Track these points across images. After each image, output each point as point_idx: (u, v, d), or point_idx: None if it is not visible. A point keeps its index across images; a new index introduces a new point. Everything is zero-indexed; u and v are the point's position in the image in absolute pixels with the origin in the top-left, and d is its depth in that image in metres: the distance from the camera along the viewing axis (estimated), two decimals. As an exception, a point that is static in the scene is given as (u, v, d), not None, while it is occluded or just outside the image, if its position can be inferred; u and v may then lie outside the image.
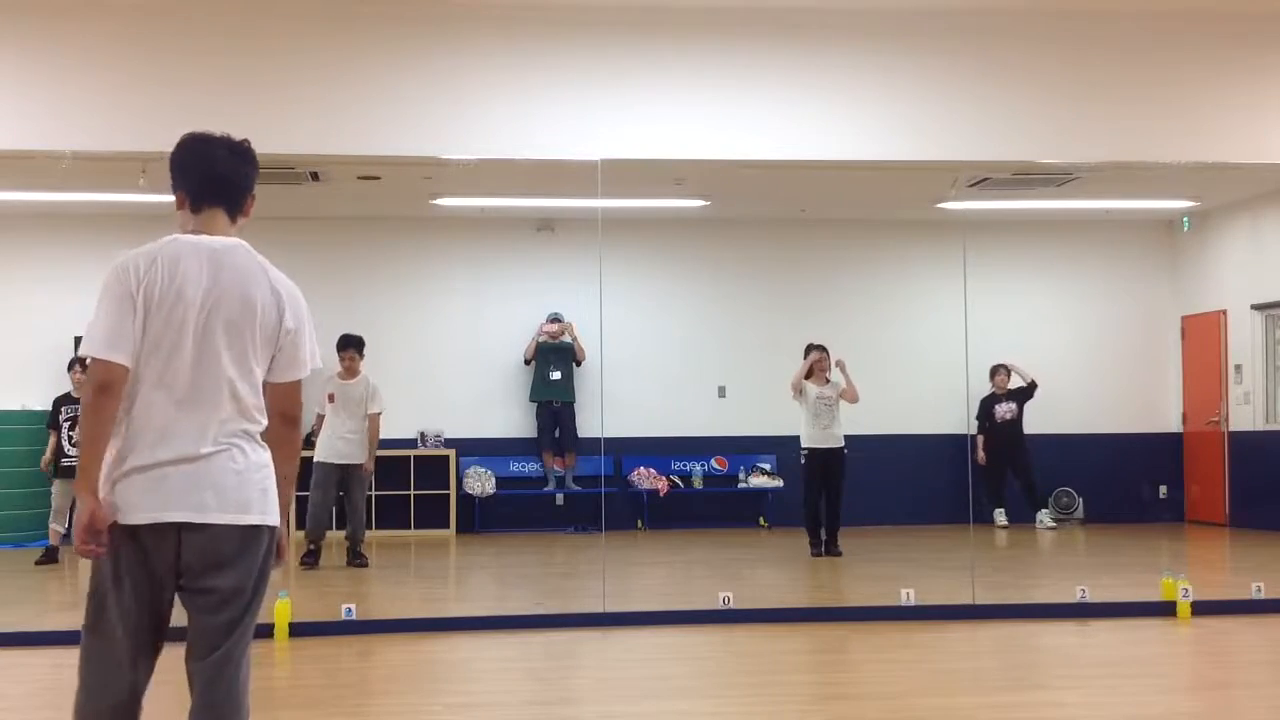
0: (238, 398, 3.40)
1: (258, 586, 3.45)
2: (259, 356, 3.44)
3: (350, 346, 10.88)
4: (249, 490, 3.38)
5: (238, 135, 3.66)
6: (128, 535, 3.32)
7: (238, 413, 3.40)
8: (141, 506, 3.30)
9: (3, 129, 7.90)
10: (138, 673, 3.37)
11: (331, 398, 10.73)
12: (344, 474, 10.69)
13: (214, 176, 3.56)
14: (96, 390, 3.29)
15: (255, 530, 3.40)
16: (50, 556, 10.82)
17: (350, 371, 10.84)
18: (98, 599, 3.37)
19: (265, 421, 3.48)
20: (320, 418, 10.79)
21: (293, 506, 3.70)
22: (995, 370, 13.78)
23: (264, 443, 3.48)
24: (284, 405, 3.51)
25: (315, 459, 10.65)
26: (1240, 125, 8.69)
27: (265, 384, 3.48)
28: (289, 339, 3.48)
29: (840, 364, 11.14)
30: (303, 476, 10.77)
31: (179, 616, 3.45)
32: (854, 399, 11.09)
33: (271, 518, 3.44)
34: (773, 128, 8.45)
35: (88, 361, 3.36)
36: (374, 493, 12.95)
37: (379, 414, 10.82)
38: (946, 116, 8.53)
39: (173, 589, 3.37)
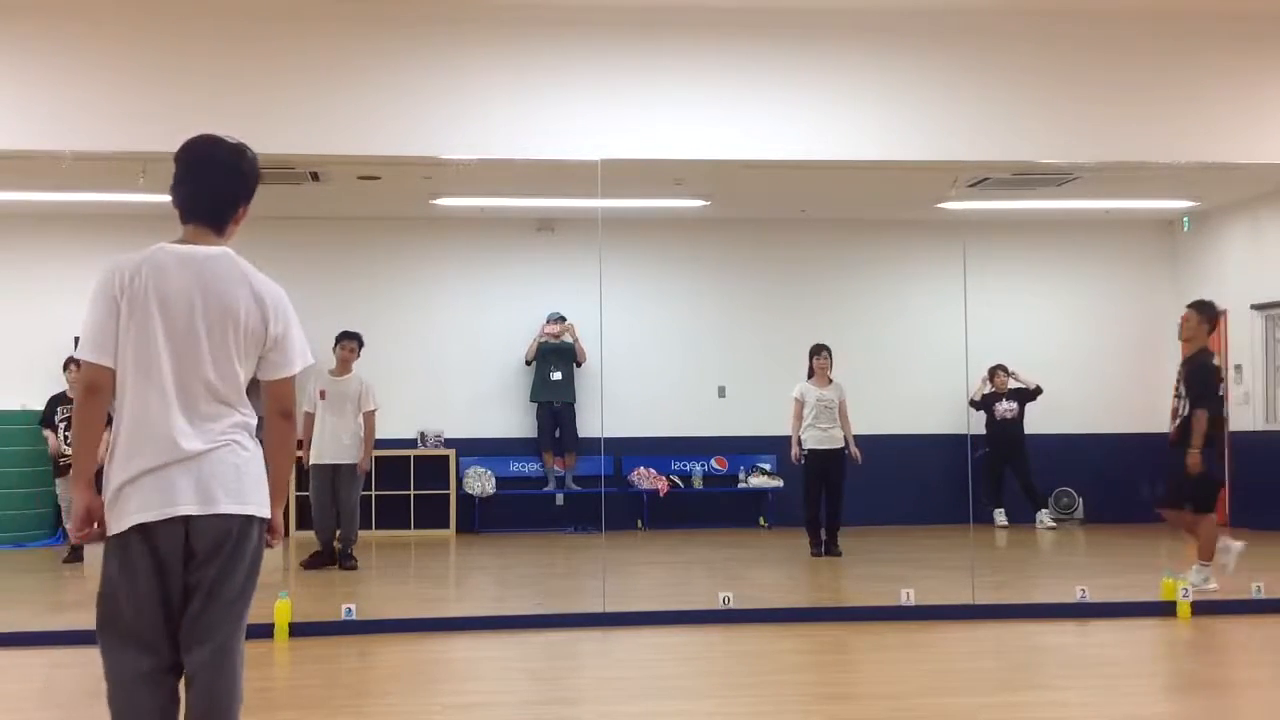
0: (224, 398, 3.58)
1: (250, 575, 3.63)
2: (242, 359, 3.61)
3: (351, 339, 10.77)
4: (247, 482, 3.58)
5: (237, 135, 3.77)
6: (138, 532, 3.50)
7: (228, 410, 3.59)
8: (152, 505, 3.49)
9: (3, 129, 7.90)
10: (160, 655, 3.52)
11: (323, 394, 10.55)
12: (336, 473, 10.56)
13: (202, 198, 3.71)
14: (85, 391, 3.55)
15: (251, 520, 3.60)
16: (76, 555, 10.75)
17: (345, 365, 10.70)
18: (109, 597, 3.55)
19: (255, 418, 3.67)
20: (310, 416, 10.57)
21: (294, 506, 3.89)
22: (994, 372, 13.79)
23: (256, 439, 3.67)
24: (279, 401, 3.71)
25: (311, 462, 10.56)
26: (1240, 125, 8.69)
27: (260, 382, 3.67)
28: (275, 340, 3.66)
29: (843, 406, 11.20)
30: (302, 479, 10.78)
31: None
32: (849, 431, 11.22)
33: (265, 510, 3.64)
34: (773, 128, 8.45)
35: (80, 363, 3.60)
36: (374, 493, 12.96)
37: (374, 411, 10.68)
38: (946, 116, 8.53)
39: (181, 580, 3.54)
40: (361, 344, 10.87)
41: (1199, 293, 14.17)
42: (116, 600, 3.53)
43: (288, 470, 3.78)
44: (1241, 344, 13.61)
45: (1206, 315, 9.06)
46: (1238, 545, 8.94)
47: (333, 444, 10.54)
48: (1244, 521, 13.07)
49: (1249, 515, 12.99)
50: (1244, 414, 13.53)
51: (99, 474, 3.59)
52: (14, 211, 12.57)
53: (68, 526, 11.01)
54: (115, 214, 10.49)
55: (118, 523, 3.50)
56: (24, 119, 7.91)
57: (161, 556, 3.50)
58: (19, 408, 12.57)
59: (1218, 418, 8.94)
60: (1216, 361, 9.10)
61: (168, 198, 3.79)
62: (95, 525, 3.54)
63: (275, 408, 3.69)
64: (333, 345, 10.86)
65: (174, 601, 3.53)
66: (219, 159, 3.72)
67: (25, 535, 12.41)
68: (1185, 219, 14.04)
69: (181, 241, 3.68)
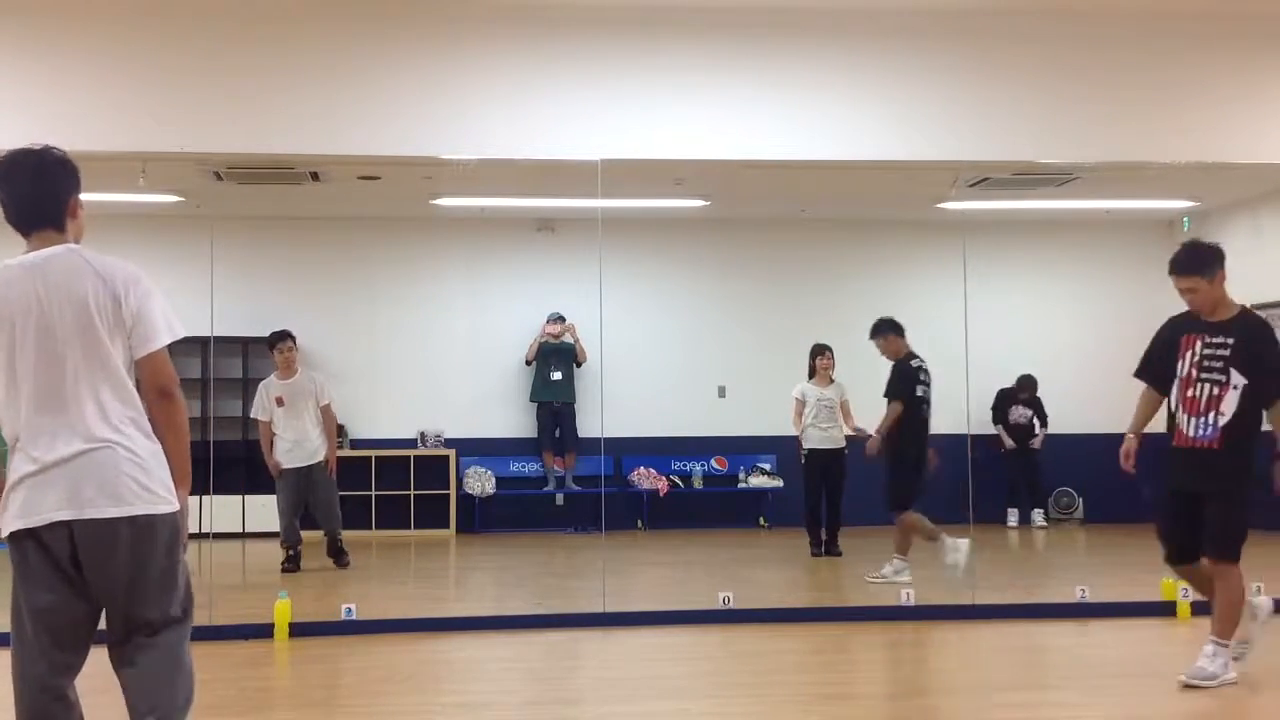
0: (98, 394, 3.54)
1: (166, 573, 3.57)
2: (113, 345, 3.57)
3: (287, 339, 10.63)
4: (128, 482, 3.51)
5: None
6: (30, 537, 3.51)
7: (104, 408, 3.54)
8: (31, 510, 3.49)
9: (3, 129, 7.89)
10: (52, 664, 3.52)
11: (280, 401, 10.49)
12: (309, 475, 10.48)
13: (22, 209, 3.70)
14: None
15: (140, 520, 3.52)
16: None
17: (288, 367, 10.59)
18: (14, 600, 3.57)
19: (140, 408, 3.61)
20: (266, 425, 10.52)
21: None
22: (1024, 383, 13.85)
23: (150, 434, 3.61)
24: (154, 378, 3.62)
25: (282, 467, 10.47)
26: (1240, 125, 8.69)
27: (135, 364, 3.62)
28: (135, 316, 3.59)
29: (845, 405, 11.25)
30: (268, 479, 10.76)
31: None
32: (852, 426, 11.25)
33: (161, 506, 3.56)
34: (773, 128, 8.45)
35: None
36: (374, 493, 12.97)
37: (330, 404, 10.60)
38: (946, 116, 8.53)
39: (76, 587, 3.53)
40: (295, 339, 10.71)
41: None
42: (18, 603, 3.55)
43: (183, 449, 3.67)
44: (1241, 344, 13.60)
45: (887, 333, 9.97)
46: (965, 543, 9.22)
47: (301, 447, 10.47)
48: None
49: (1249, 515, 12.98)
50: (1244, 414, 13.53)
51: None
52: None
53: None
54: (115, 214, 10.46)
55: (4, 526, 3.54)
56: (24, 119, 7.90)
57: (55, 559, 3.49)
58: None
59: (921, 420, 9.70)
60: (917, 364, 9.84)
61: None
62: None
63: (151, 385, 3.62)
64: (269, 351, 10.77)
65: (77, 605, 3.52)
66: (21, 164, 3.71)
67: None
68: (1185, 219, 14.03)
69: (27, 252, 3.68)
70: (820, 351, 11.34)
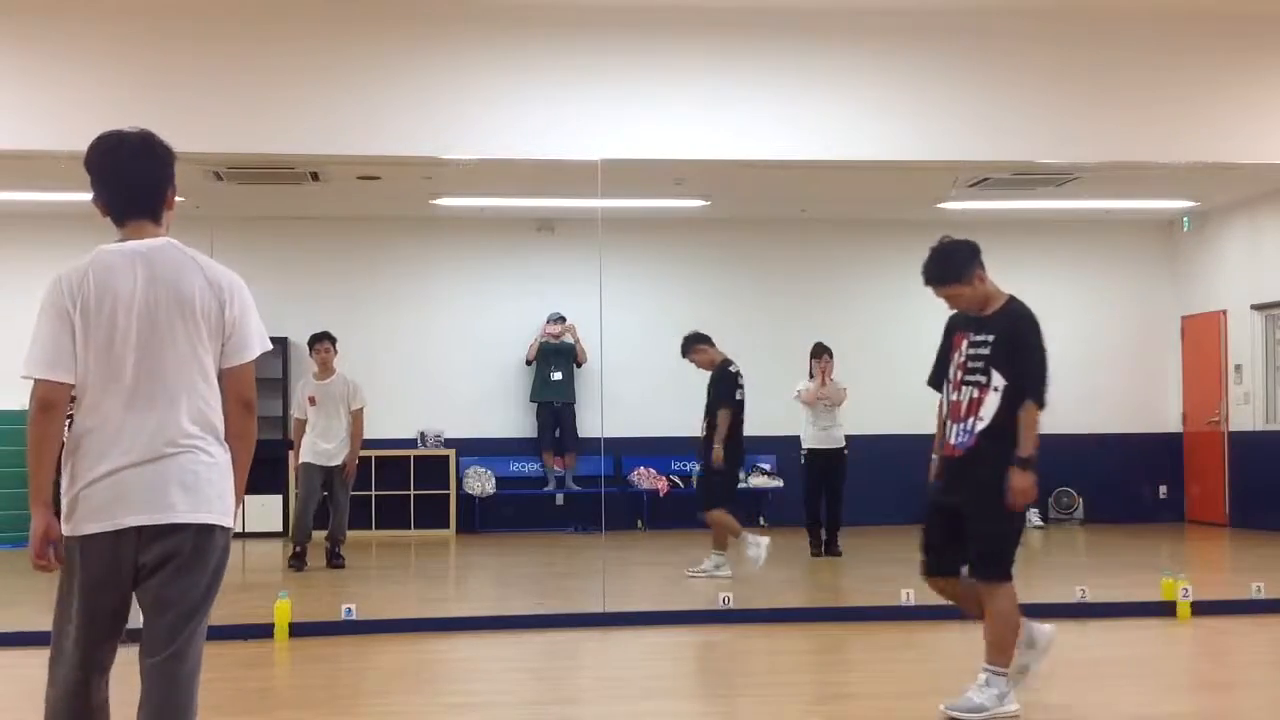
0: (190, 394, 3.44)
1: (211, 586, 3.48)
2: (207, 348, 3.47)
3: (324, 340, 10.76)
4: (207, 490, 3.42)
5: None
6: (89, 542, 3.39)
7: (193, 410, 3.44)
8: (101, 514, 3.37)
9: (3, 129, 7.90)
10: (88, 669, 3.45)
11: (313, 400, 10.62)
12: (329, 475, 10.61)
13: (126, 190, 3.58)
14: (40, 409, 3.40)
15: (210, 530, 3.44)
16: None
17: (326, 367, 10.73)
18: (61, 602, 3.49)
19: (221, 415, 3.51)
20: (301, 422, 10.70)
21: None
22: None
23: (224, 442, 3.51)
24: (239, 389, 3.53)
25: (302, 461, 10.61)
26: (1240, 125, 8.69)
27: (220, 372, 3.51)
28: (233, 325, 3.50)
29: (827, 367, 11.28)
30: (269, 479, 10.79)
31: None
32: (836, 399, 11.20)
33: (226, 519, 3.48)
34: (773, 128, 8.45)
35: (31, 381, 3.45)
36: (374, 493, 12.97)
37: (361, 409, 10.73)
38: (946, 116, 8.53)
39: (130, 588, 3.43)
40: (334, 341, 10.85)
41: (1199, 293, 14.24)
42: (64, 605, 3.46)
43: (247, 464, 3.58)
44: (1241, 344, 13.60)
45: (697, 345, 10.21)
46: (765, 540, 9.66)
47: (329, 446, 10.58)
48: (1244, 522, 13.07)
49: (1249, 515, 12.99)
50: (1244, 414, 13.52)
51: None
52: (14, 211, 12.57)
53: None
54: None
55: (72, 528, 3.40)
56: (24, 119, 7.91)
57: (114, 565, 3.38)
58: (19, 408, 12.56)
59: (736, 422, 9.88)
60: (734, 370, 10.03)
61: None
62: (53, 551, 3.42)
63: (236, 396, 3.52)
64: (308, 350, 10.89)
65: (112, 612, 3.42)
66: (130, 149, 3.58)
67: (25, 535, 12.40)
68: (1185, 219, 14.04)
69: (122, 240, 3.56)
70: (820, 352, 11.33)
